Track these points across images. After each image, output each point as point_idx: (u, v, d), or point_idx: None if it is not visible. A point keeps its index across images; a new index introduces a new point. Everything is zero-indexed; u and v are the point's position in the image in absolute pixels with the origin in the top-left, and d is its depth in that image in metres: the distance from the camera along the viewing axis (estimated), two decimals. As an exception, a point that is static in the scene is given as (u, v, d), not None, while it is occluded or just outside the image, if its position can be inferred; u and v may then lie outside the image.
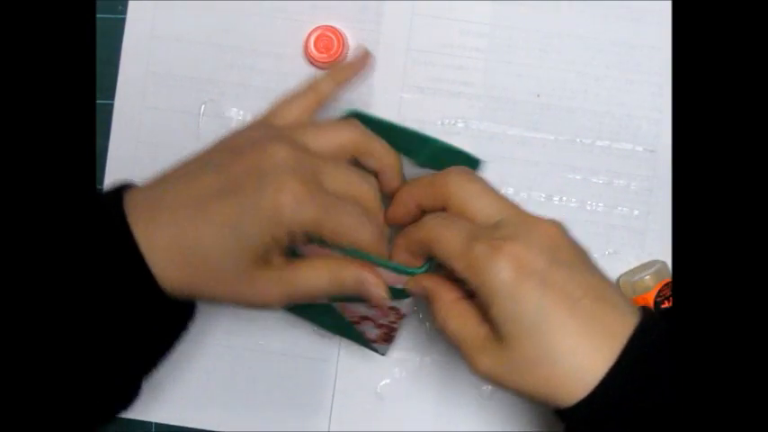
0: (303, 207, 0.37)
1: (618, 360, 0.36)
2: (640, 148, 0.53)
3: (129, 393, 0.42)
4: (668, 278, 0.50)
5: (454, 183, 0.40)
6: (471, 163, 0.45)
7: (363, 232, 0.39)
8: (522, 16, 0.53)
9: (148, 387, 0.52)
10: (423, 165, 0.47)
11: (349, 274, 0.40)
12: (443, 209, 0.41)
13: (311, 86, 0.45)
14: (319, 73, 0.52)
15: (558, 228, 0.39)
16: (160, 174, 0.41)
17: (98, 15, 0.53)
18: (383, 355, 0.47)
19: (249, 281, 0.38)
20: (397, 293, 0.42)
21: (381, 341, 0.46)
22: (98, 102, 0.53)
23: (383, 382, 0.52)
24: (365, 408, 0.52)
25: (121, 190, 0.40)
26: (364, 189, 0.41)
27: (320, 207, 0.38)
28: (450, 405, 0.52)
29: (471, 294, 0.40)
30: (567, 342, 0.36)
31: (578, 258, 0.39)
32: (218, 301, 0.40)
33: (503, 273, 0.36)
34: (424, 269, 0.42)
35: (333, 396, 0.52)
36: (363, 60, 0.47)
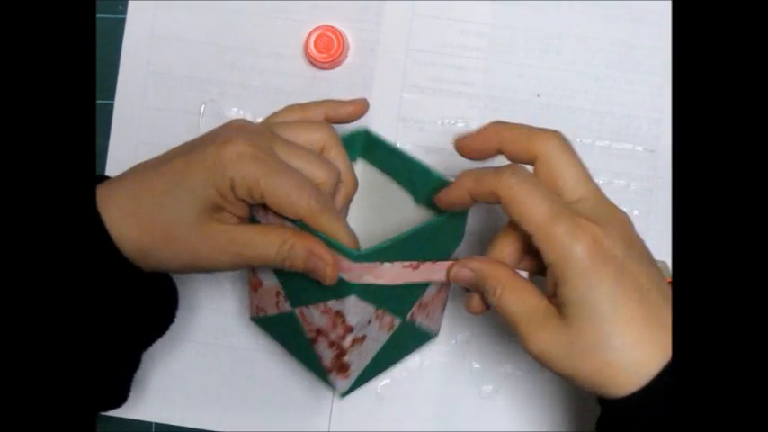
0: (245, 161, 0.38)
1: (674, 358, 0.35)
2: (640, 148, 0.53)
3: (117, 378, 0.42)
4: (668, 278, 0.50)
5: (547, 144, 0.39)
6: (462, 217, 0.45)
7: (304, 199, 0.39)
8: (522, 16, 0.53)
9: (149, 388, 0.53)
10: (421, 203, 0.47)
11: (301, 245, 0.39)
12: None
13: (301, 106, 0.45)
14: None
15: (629, 219, 0.39)
16: None
17: (98, 15, 0.53)
18: (341, 395, 0.45)
19: (202, 236, 0.39)
20: (344, 286, 0.40)
21: (336, 370, 0.44)
22: (98, 102, 0.53)
23: (383, 382, 0.52)
24: (365, 408, 0.52)
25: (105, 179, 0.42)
26: (324, 172, 0.40)
27: (264, 166, 0.38)
28: (450, 405, 0.52)
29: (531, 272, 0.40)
30: (631, 333, 0.36)
31: (645, 251, 0.39)
32: (176, 264, 0.40)
33: (582, 253, 0.36)
34: (365, 251, 0.40)
35: (333, 396, 0.52)
36: (358, 107, 0.46)
